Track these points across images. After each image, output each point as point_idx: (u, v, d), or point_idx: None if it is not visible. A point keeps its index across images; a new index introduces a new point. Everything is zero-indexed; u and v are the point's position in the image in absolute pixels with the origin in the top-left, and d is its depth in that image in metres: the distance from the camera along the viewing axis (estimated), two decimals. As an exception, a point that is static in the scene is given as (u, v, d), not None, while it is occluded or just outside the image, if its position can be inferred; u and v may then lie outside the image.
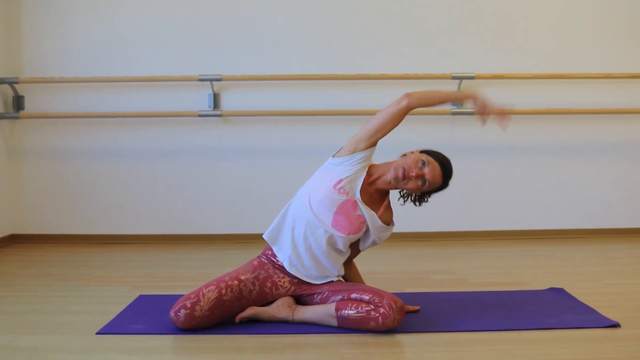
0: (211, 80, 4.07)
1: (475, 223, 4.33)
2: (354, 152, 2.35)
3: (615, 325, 2.28)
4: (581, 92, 4.27)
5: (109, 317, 2.42)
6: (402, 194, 2.50)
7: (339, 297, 2.29)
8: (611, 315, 2.39)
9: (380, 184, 2.39)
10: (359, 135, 2.36)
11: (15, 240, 4.22)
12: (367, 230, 2.41)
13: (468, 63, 4.21)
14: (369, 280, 2.64)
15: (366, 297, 2.22)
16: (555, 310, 2.49)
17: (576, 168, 4.33)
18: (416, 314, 2.44)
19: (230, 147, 4.23)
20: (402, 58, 4.22)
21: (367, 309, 2.19)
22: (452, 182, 4.34)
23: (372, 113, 4.10)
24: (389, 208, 2.47)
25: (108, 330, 2.28)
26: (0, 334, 2.24)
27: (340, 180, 2.32)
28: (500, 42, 4.25)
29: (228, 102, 4.19)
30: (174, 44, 4.19)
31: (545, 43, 4.26)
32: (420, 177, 2.33)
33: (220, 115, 4.13)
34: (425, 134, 4.23)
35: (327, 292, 2.35)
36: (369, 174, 2.39)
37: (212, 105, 4.15)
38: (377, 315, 2.17)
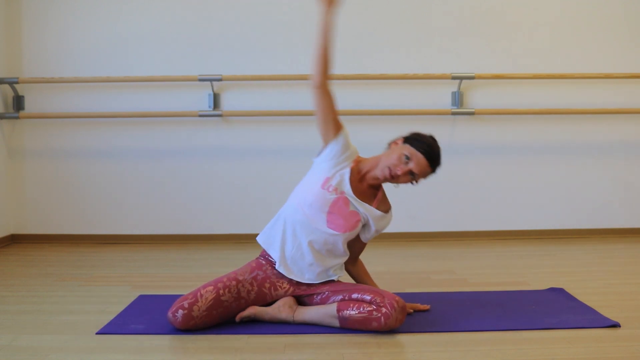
0: (211, 80, 4.07)
1: (475, 223, 4.33)
2: (328, 145, 2.35)
3: (615, 325, 2.28)
4: (581, 92, 4.27)
5: (109, 317, 2.42)
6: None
7: (340, 297, 2.29)
8: (611, 315, 2.39)
9: (370, 180, 2.39)
10: (319, 132, 2.37)
11: (15, 240, 4.23)
12: (366, 224, 2.41)
13: (468, 63, 4.21)
14: (375, 277, 2.63)
15: (367, 297, 2.22)
16: (555, 310, 2.49)
17: (576, 168, 4.33)
18: (416, 314, 2.44)
19: (230, 147, 4.23)
20: (402, 58, 4.23)
21: (369, 309, 2.18)
22: (449, 179, 4.33)
23: (371, 113, 4.14)
24: (385, 199, 2.46)
25: (108, 330, 2.28)
26: (1, 334, 2.24)
27: (327, 179, 2.32)
28: (500, 42, 4.25)
29: (228, 102, 4.19)
30: (174, 44, 4.19)
31: (545, 43, 4.26)
32: (407, 172, 2.31)
33: (220, 115, 4.13)
34: (425, 134, 4.23)
35: (327, 293, 2.34)
36: (357, 171, 2.38)
37: (212, 105, 4.15)
38: (379, 315, 2.17)
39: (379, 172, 2.33)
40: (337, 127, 2.34)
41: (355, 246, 2.49)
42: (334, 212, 2.31)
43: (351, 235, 2.36)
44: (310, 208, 2.31)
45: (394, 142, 2.41)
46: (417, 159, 2.30)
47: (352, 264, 2.54)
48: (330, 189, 2.31)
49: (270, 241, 2.40)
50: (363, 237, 2.47)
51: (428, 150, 2.32)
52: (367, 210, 2.37)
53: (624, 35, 4.29)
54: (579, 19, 4.28)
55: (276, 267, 2.37)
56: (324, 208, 2.30)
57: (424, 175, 2.34)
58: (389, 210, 2.46)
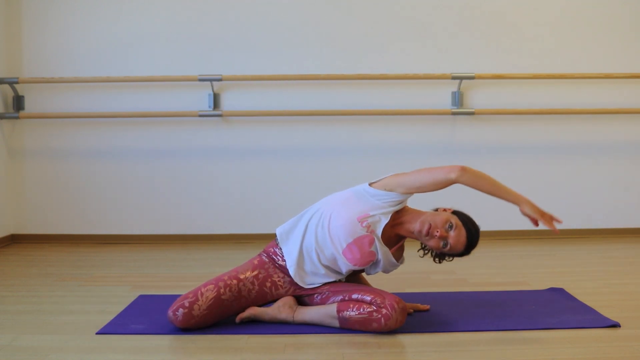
0: (211, 80, 4.07)
1: (475, 223, 4.31)
2: (391, 191, 2.31)
3: (615, 325, 2.28)
4: (581, 92, 4.27)
5: (109, 317, 2.42)
6: (422, 247, 2.45)
7: (340, 297, 2.29)
8: (611, 315, 2.39)
9: (402, 231, 2.36)
10: (401, 180, 2.31)
11: (15, 240, 4.23)
12: (376, 262, 2.40)
13: (468, 63, 4.21)
14: (369, 279, 2.64)
15: (367, 298, 2.22)
16: (555, 310, 2.49)
17: (576, 168, 4.33)
18: (416, 314, 2.44)
19: (230, 147, 4.23)
20: (402, 58, 4.22)
21: (369, 310, 2.18)
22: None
23: (371, 113, 4.14)
24: (402, 248, 2.46)
25: (108, 330, 2.28)
26: (1, 334, 2.24)
27: (367, 216, 2.29)
28: (500, 42, 4.25)
29: (228, 102, 4.19)
30: (174, 44, 4.19)
31: (545, 43, 4.26)
32: (444, 238, 2.28)
33: (220, 115, 4.13)
34: (425, 133, 4.24)
35: (327, 292, 2.35)
36: (394, 217, 2.35)
37: (212, 105, 4.15)
38: (380, 316, 2.17)
39: (418, 224, 2.30)
40: (410, 194, 2.33)
41: (358, 270, 2.50)
42: (355, 245, 2.30)
43: (357, 268, 2.38)
44: (336, 229, 2.30)
45: (442, 208, 2.39)
46: (459, 232, 2.28)
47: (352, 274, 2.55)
48: (364, 224, 2.29)
49: (287, 237, 2.40)
50: (367, 271, 2.47)
51: (472, 232, 2.31)
52: (385, 254, 2.36)
53: (624, 35, 4.29)
54: (579, 18, 4.28)
55: (287, 265, 2.37)
56: (348, 238, 2.29)
57: (454, 250, 2.30)
58: (402, 260, 2.46)
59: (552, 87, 4.26)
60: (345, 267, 2.34)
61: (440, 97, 4.24)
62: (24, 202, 4.24)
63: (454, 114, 4.18)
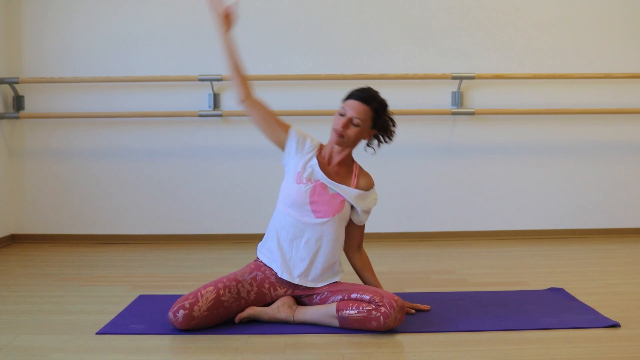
0: (211, 80, 4.07)
1: (475, 223, 4.33)
2: (285, 145, 2.43)
3: (615, 325, 2.29)
4: (581, 92, 4.27)
5: (109, 317, 2.42)
6: (368, 144, 2.49)
7: (339, 297, 2.30)
8: (611, 315, 2.40)
9: (335, 158, 2.42)
10: (272, 141, 2.49)
11: (15, 240, 4.23)
12: (351, 205, 2.42)
13: (468, 63, 4.21)
14: (377, 275, 2.62)
15: (366, 297, 2.22)
16: (555, 310, 2.50)
17: (576, 168, 4.33)
18: (416, 314, 2.44)
19: (230, 147, 4.23)
20: (402, 58, 4.22)
21: (368, 308, 2.19)
22: (449, 179, 4.31)
23: (372, 113, 4.13)
24: (363, 173, 2.47)
25: (108, 330, 2.28)
26: (0, 334, 2.24)
27: (299, 173, 2.38)
28: (500, 42, 4.25)
29: (228, 102, 4.19)
30: (174, 44, 4.19)
31: (545, 43, 4.26)
32: (347, 122, 2.34)
33: (220, 115, 4.13)
34: (425, 134, 4.24)
35: (326, 293, 2.35)
36: (323, 156, 2.42)
37: (212, 105, 4.15)
38: (379, 314, 2.17)
39: (331, 139, 2.40)
40: (284, 127, 2.45)
41: (355, 232, 2.50)
42: (316, 201, 2.35)
43: (342, 217, 2.38)
44: (294, 207, 2.36)
45: None
46: (349, 105, 2.37)
47: (355, 255, 2.53)
48: (304, 181, 2.36)
49: (270, 256, 2.43)
50: (356, 220, 2.47)
51: (355, 93, 2.39)
52: (345, 192, 2.39)
53: (623, 35, 4.29)
54: (579, 18, 4.28)
55: (279, 275, 2.37)
56: (305, 200, 2.34)
57: (361, 114, 2.35)
58: (371, 187, 2.46)
59: (552, 87, 4.27)
60: (332, 227, 2.35)
61: (440, 97, 4.24)
62: (24, 202, 4.24)
63: (454, 114, 4.18)
